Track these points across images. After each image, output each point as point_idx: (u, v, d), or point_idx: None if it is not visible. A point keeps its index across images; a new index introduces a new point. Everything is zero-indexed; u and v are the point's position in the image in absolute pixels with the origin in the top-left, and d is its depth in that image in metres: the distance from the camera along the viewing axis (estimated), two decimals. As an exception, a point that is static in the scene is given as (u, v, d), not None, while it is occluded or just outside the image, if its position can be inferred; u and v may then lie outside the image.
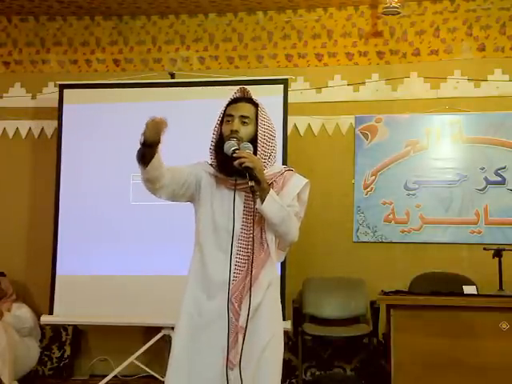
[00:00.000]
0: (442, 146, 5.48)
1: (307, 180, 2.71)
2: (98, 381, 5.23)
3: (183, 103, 5.37)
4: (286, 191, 2.64)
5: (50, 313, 5.31)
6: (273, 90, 5.25)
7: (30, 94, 5.97)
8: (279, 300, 2.72)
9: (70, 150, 5.45)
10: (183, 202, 2.75)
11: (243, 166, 2.49)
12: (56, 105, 5.56)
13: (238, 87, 2.75)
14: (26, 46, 6.05)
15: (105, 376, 5.25)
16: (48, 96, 5.84)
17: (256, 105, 2.67)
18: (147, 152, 2.48)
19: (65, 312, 5.27)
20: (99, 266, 5.29)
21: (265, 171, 2.60)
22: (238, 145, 2.56)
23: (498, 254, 4.53)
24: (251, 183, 2.49)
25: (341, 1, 5.62)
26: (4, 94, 6.00)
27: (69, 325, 5.60)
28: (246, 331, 2.48)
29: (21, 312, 5.28)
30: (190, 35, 5.92)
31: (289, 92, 5.29)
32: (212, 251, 2.60)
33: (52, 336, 5.68)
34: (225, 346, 2.49)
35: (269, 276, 2.59)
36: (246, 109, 2.65)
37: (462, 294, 4.40)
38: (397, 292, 4.47)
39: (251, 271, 2.51)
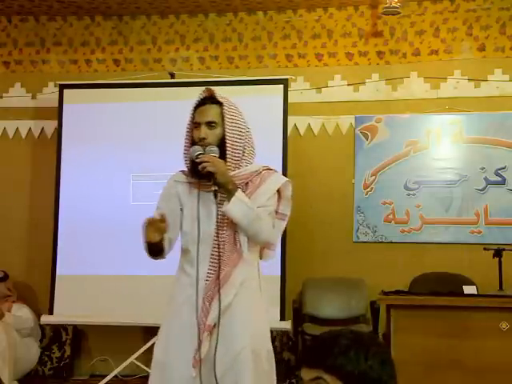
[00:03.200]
0: (442, 146, 5.48)
1: (287, 179, 2.70)
2: (98, 381, 5.23)
3: (183, 103, 5.33)
4: (262, 190, 2.62)
5: (50, 313, 5.32)
6: (273, 90, 5.26)
7: (30, 94, 5.96)
8: (260, 300, 2.68)
9: (70, 150, 5.46)
10: None
11: (205, 170, 2.52)
12: (56, 105, 5.56)
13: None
14: (25, 46, 6.04)
15: (105, 376, 5.24)
16: (48, 96, 5.84)
17: (221, 104, 2.63)
18: (153, 248, 2.57)
19: (65, 312, 5.28)
20: (99, 266, 5.29)
21: (237, 171, 2.60)
22: (204, 149, 2.57)
23: (498, 253, 4.52)
24: (214, 187, 2.52)
25: (341, 1, 5.61)
26: (4, 94, 6.00)
27: (69, 325, 5.59)
28: (218, 330, 2.50)
29: (21, 312, 5.27)
30: (190, 35, 5.91)
31: (289, 92, 5.29)
32: (189, 252, 2.64)
33: (52, 336, 5.67)
34: (196, 345, 2.52)
35: (242, 275, 2.58)
36: (210, 113, 2.62)
37: (462, 294, 4.38)
38: (397, 292, 4.46)
39: (219, 271, 2.54)
